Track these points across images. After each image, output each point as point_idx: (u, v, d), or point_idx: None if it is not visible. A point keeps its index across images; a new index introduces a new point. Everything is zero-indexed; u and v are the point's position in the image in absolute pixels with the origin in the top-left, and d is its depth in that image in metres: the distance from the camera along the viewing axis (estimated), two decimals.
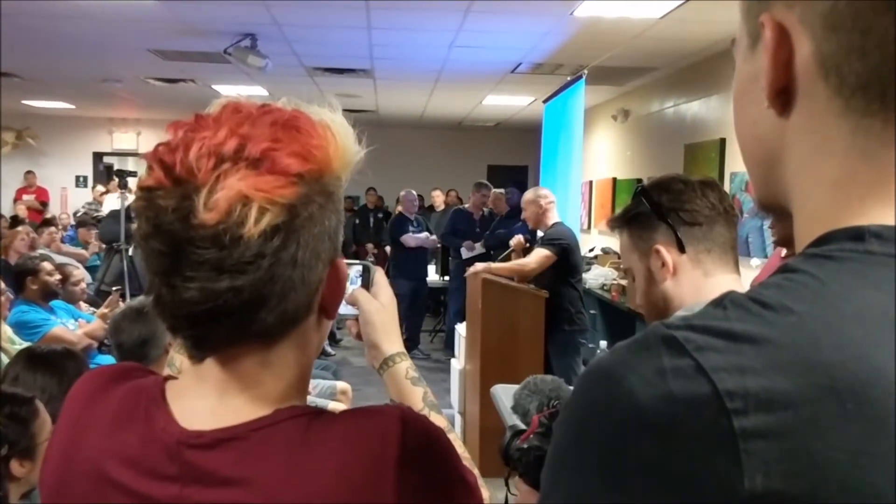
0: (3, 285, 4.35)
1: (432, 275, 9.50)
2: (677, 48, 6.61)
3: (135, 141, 14.32)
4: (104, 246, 8.14)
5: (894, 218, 0.51)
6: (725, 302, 0.50)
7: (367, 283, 1.18)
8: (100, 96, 11.07)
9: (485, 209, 8.42)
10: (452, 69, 7.92)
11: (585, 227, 9.88)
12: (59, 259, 6.24)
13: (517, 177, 13.39)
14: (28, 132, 13.90)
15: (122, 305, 4.01)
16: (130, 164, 12.62)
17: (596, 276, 7.24)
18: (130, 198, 7.14)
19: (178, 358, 1.30)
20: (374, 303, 1.16)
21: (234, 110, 0.80)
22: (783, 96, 0.55)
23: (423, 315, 8.89)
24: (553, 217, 5.26)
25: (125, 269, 6.97)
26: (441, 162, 14.22)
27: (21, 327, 4.45)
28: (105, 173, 14.23)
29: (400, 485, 0.77)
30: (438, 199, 11.45)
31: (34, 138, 13.97)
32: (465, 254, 7.96)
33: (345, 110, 0.86)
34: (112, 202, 10.15)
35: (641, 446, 0.47)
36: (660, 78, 8.02)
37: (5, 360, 3.50)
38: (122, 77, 9.24)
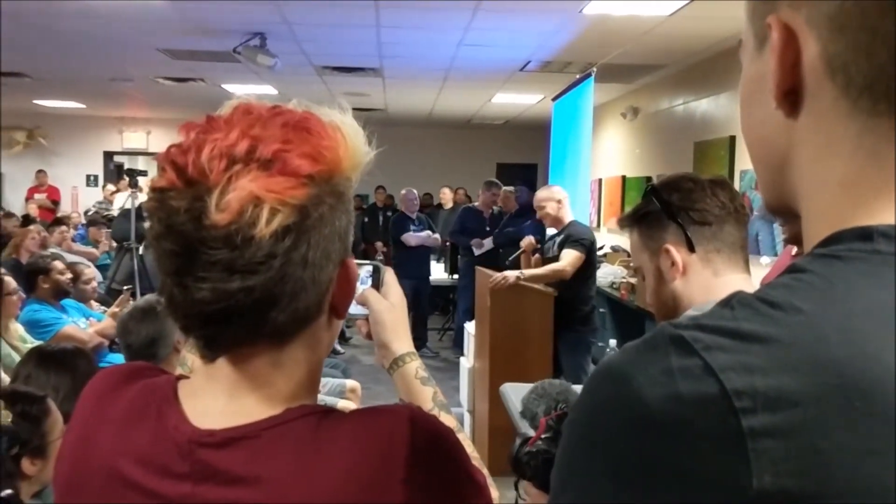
0: (14, 284, 4.37)
1: (441, 273, 9.49)
2: (686, 45, 6.60)
3: (145, 140, 14.37)
4: (114, 245, 8.18)
5: None
6: (733, 302, 0.51)
7: (377, 284, 1.18)
8: (110, 96, 11.11)
9: (494, 207, 8.42)
10: (461, 67, 7.92)
11: (595, 225, 9.87)
12: (70, 258, 6.27)
13: (526, 175, 13.37)
14: (39, 131, 13.98)
15: (130, 304, 4.03)
16: (140, 163, 12.66)
17: (605, 275, 7.23)
18: (141, 197, 7.17)
19: (190, 357, 1.32)
20: (384, 302, 1.17)
21: (246, 112, 0.81)
22: (790, 97, 0.55)
23: (427, 313, 8.86)
24: (569, 215, 5.22)
25: (135, 267, 7.00)
26: (450, 160, 14.21)
27: (32, 326, 4.47)
28: (115, 172, 14.29)
29: (409, 484, 0.77)
30: (447, 197, 11.45)
31: (45, 138, 14.04)
32: (477, 251, 7.96)
33: (353, 109, 0.86)
34: (122, 201, 10.19)
35: (650, 446, 0.47)
36: (669, 75, 7.99)
37: (17, 358, 3.53)
38: (131, 76, 9.27)
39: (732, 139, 6.31)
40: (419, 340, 8.28)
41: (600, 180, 10.12)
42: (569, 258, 4.93)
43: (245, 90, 9.04)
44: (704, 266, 1.53)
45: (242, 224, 0.74)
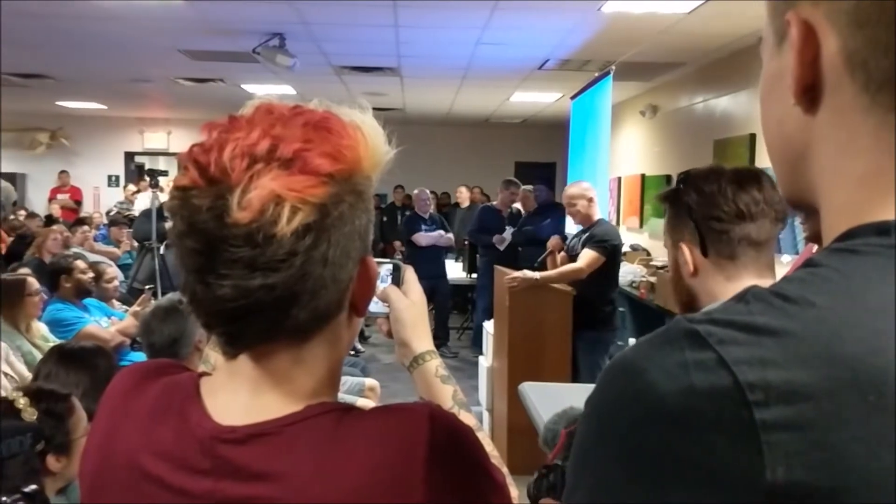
0: (37, 285, 4.42)
1: (459, 272, 9.47)
2: (705, 43, 6.56)
3: (165, 140, 14.47)
4: (136, 244, 8.25)
5: None
6: (748, 296, 0.51)
7: (397, 282, 1.19)
8: (130, 97, 11.20)
9: (513, 206, 8.41)
10: (479, 66, 7.92)
11: (614, 223, 9.83)
12: (93, 257, 6.33)
13: (545, 173, 13.32)
14: (61, 133, 14.11)
15: (152, 303, 4.07)
16: (161, 164, 12.74)
17: (625, 273, 7.18)
18: (162, 197, 7.23)
19: (212, 355, 1.33)
20: (404, 300, 1.17)
21: (267, 111, 0.82)
22: (810, 93, 0.55)
23: (444, 313, 8.80)
24: (597, 212, 5.18)
25: (157, 267, 7.05)
26: (468, 159, 14.20)
27: (55, 325, 4.52)
28: (136, 172, 14.41)
29: (428, 482, 0.77)
30: (463, 195, 11.44)
31: (67, 139, 14.18)
32: (500, 246, 7.94)
33: (372, 108, 0.87)
34: (144, 201, 10.28)
35: (663, 438, 0.47)
36: (688, 73, 7.95)
37: (39, 357, 3.56)
38: (151, 77, 9.34)
39: (752, 137, 6.27)
40: (439, 339, 8.27)
41: (619, 178, 10.08)
42: (587, 258, 4.89)
43: (264, 90, 9.11)
44: (717, 271, 1.51)
45: (264, 222, 0.75)
